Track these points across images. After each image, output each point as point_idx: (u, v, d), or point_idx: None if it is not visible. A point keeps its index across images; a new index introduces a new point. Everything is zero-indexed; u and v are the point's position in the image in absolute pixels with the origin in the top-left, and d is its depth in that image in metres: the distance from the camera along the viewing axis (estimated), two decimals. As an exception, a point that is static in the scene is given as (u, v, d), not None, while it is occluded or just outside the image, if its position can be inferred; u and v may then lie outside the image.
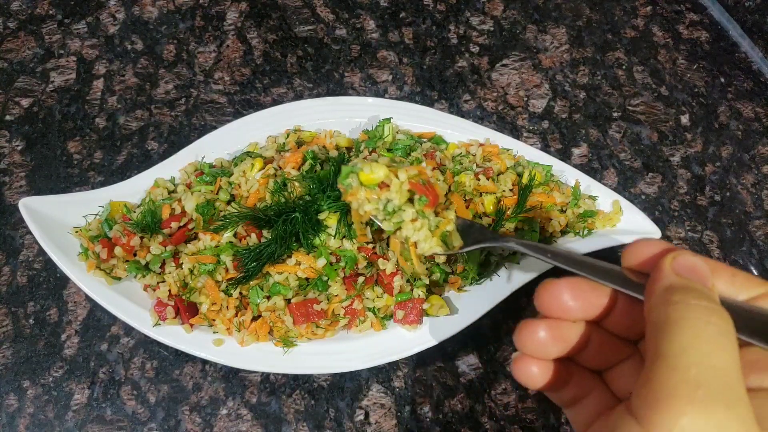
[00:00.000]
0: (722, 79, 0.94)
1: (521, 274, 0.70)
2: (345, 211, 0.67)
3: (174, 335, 0.67)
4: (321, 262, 0.67)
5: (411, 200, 0.61)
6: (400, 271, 0.69)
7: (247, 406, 0.70)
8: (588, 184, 0.76)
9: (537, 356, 0.42)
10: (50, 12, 0.95)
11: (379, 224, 0.63)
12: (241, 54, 0.92)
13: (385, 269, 0.68)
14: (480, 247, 0.61)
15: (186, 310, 0.67)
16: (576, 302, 0.41)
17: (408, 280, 0.69)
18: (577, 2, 1.00)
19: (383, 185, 0.60)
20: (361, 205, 0.61)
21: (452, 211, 0.64)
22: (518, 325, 0.42)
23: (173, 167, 0.76)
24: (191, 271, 0.68)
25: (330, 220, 0.68)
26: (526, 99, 0.91)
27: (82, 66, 0.90)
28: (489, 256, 0.72)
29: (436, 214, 0.63)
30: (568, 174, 0.78)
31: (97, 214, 0.72)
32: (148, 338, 0.71)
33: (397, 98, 0.89)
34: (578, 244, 0.72)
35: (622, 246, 0.79)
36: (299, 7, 0.97)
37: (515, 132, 0.88)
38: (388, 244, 0.69)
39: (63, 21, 0.94)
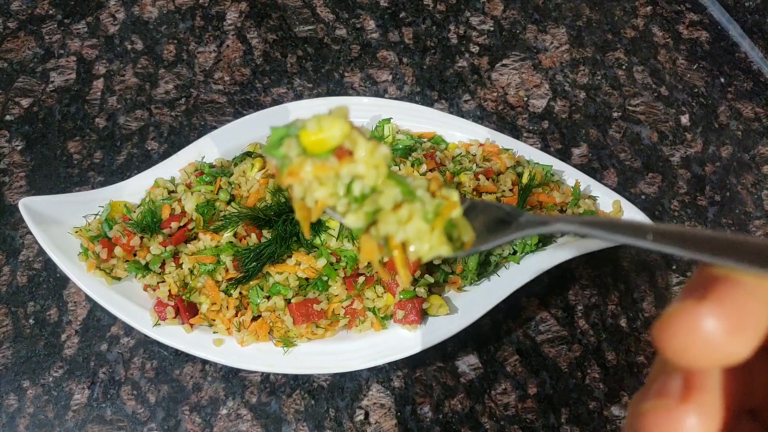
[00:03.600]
0: (722, 79, 0.94)
1: (521, 274, 0.70)
2: None
3: (174, 335, 0.67)
4: (321, 262, 0.67)
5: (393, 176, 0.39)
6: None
7: (247, 406, 0.70)
8: (588, 184, 0.77)
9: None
10: (50, 12, 0.95)
11: (340, 220, 0.40)
12: (241, 54, 0.92)
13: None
14: (511, 239, 0.40)
15: (186, 310, 0.67)
16: (735, 331, 0.22)
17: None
18: (577, 2, 1.00)
19: (343, 152, 0.37)
20: (308, 190, 0.38)
21: (455, 190, 0.42)
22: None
23: (173, 167, 0.76)
24: (191, 271, 0.68)
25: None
26: (526, 99, 0.91)
27: (82, 66, 0.90)
28: (489, 255, 0.72)
29: (432, 194, 0.40)
30: (568, 174, 0.78)
31: (97, 214, 0.72)
32: (148, 338, 0.71)
33: (397, 98, 0.89)
34: (578, 244, 0.72)
35: (623, 246, 0.79)
36: (299, 7, 0.97)
37: (515, 132, 0.88)
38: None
39: (63, 21, 0.94)
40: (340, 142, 0.37)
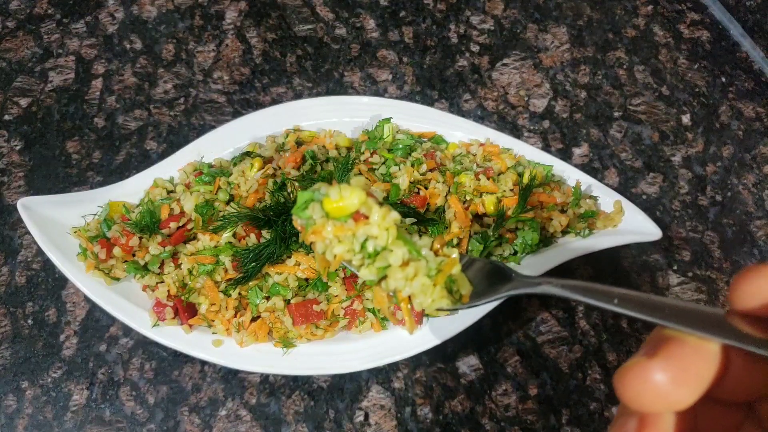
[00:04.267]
0: (723, 79, 0.93)
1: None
2: None
3: (173, 336, 0.67)
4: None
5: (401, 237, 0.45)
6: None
7: (246, 407, 0.70)
8: (589, 184, 0.76)
9: None
10: (49, 11, 0.95)
11: (356, 272, 0.47)
12: (241, 53, 0.92)
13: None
14: (503, 297, 0.47)
15: (185, 310, 0.67)
16: (679, 382, 0.27)
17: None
18: (577, 1, 0.99)
19: (359, 216, 0.44)
20: (329, 246, 0.45)
21: (454, 248, 0.49)
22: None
23: (172, 167, 0.76)
24: (190, 272, 0.67)
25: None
26: (526, 98, 0.90)
27: (81, 65, 0.90)
28: (488, 255, 0.71)
29: (435, 252, 0.47)
30: (569, 174, 0.77)
31: (95, 214, 0.72)
32: (147, 339, 0.70)
33: (397, 98, 0.89)
34: (579, 244, 0.72)
35: (623, 246, 0.79)
36: (299, 6, 0.97)
37: (516, 132, 0.87)
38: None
39: (62, 20, 0.94)
40: (358, 208, 0.43)
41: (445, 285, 0.46)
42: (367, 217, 0.43)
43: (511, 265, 0.44)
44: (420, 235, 0.51)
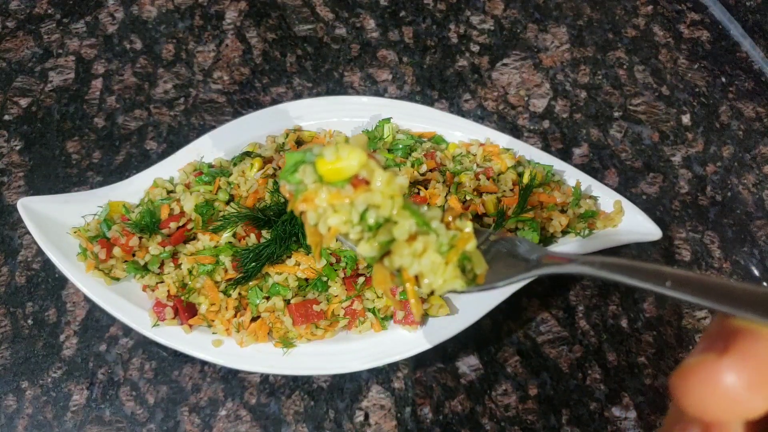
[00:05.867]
0: (723, 79, 0.93)
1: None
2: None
3: (173, 336, 0.67)
4: (321, 262, 0.67)
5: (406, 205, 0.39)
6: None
7: (246, 407, 0.70)
8: (589, 184, 0.76)
9: None
10: (49, 11, 0.95)
11: (353, 247, 0.40)
12: (241, 53, 0.92)
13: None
14: (526, 278, 0.40)
15: (185, 310, 0.67)
16: (756, 387, 0.22)
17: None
18: (577, 1, 0.99)
19: (359, 181, 0.37)
20: (322, 216, 0.38)
21: (468, 221, 0.41)
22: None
23: (172, 167, 0.76)
24: (190, 272, 0.67)
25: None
26: (526, 98, 0.90)
27: (81, 65, 0.90)
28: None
29: (446, 225, 0.40)
30: (569, 174, 0.77)
31: (95, 214, 0.72)
32: (147, 339, 0.70)
33: (397, 98, 0.89)
34: (579, 245, 0.72)
35: (623, 246, 0.79)
36: (299, 6, 0.97)
37: (516, 132, 0.87)
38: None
39: (62, 20, 0.94)
40: (357, 172, 0.37)
41: (458, 263, 0.39)
42: (368, 183, 0.37)
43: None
44: (428, 205, 0.43)
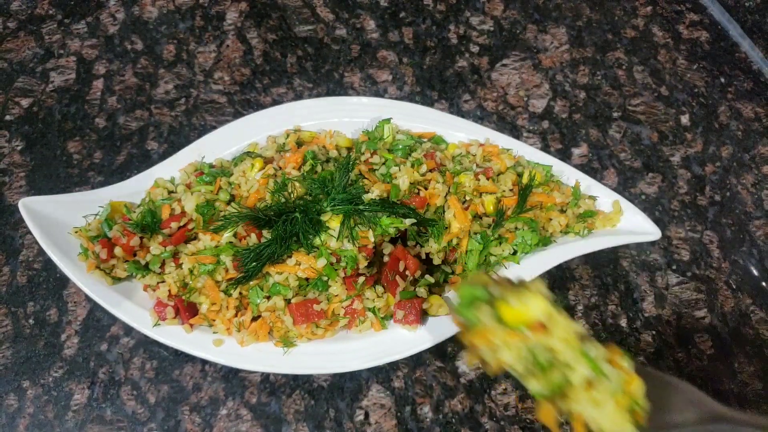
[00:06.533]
0: (722, 79, 0.94)
1: (520, 274, 0.70)
2: (349, 214, 0.67)
3: (174, 335, 0.67)
4: (321, 262, 0.67)
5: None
6: None
7: (246, 406, 0.70)
8: (588, 184, 0.76)
9: None
10: (50, 12, 0.95)
11: (517, 377, 0.41)
12: (241, 54, 0.92)
13: None
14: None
15: (186, 310, 0.67)
16: None
17: None
18: (577, 2, 0.99)
19: (538, 326, 0.40)
20: (495, 351, 0.41)
21: (628, 357, 0.41)
22: None
23: (173, 167, 0.76)
24: (191, 272, 0.68)
25: (333, 221, 0.67)
26: (526, 99, 0.91)
27: (82, 66, 0.90)
28: (489, 255, 0.72)
29: (610, 363, 0.41)
30: (568, 174, 0.78)
31: (96, 214, 0.72)
32: (148, 338, 0.71)
33: (397, 98, 0.89)
34: (579, 244, 0.72)
35: (622, 246, 0.79)
36: (299, 7, 0.97)
37: (515, 132, 0.88)
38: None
39: (63, 21, 0.94)
40: (539, 319, 0.39)
41: (629, 408, 0.40)
42: (545, 327, 0.39)
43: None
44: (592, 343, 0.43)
